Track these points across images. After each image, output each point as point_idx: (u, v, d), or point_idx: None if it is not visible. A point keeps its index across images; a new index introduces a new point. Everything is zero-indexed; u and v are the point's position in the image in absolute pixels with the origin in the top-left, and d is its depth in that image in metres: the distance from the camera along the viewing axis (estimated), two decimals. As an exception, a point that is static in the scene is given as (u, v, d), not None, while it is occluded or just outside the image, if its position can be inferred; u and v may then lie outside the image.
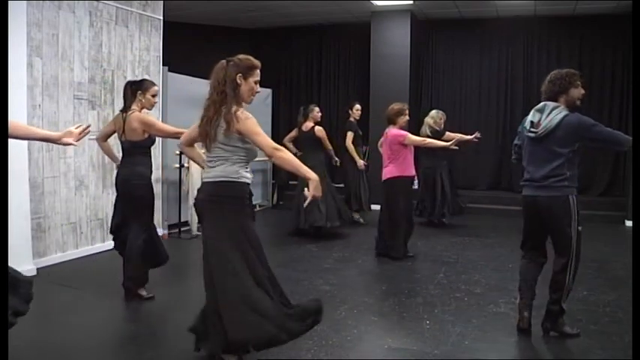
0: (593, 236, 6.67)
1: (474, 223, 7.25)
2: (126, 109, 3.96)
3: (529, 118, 3.34)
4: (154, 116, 4.32)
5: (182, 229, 6.43)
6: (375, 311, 3.84)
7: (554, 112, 3.21)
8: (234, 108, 2.67)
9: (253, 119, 2.68)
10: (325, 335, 3.31)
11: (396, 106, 5.36)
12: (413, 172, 5.41)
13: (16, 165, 4.28)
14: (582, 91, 3.29)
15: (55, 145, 4.87)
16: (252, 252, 2.68)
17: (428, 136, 6.57)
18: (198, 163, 3.21)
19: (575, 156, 3.22)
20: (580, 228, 3.20)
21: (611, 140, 3.21)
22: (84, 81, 5.22)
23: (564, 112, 3.19)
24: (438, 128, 6.94)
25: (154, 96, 4.01)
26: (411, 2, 8.00)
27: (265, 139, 2.66)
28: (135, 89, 3.96)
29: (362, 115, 7.54)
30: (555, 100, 3.27)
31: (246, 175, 2.76)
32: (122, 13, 5.64)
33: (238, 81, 2.75)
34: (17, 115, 4.31)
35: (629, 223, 7.34)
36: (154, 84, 4.07)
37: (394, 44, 8.50)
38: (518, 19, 8.61)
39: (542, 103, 3.31)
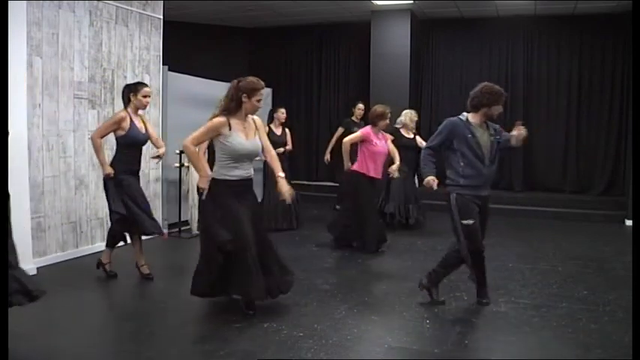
0: (593, 236, 6.69)
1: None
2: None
3: None
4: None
5: (182, 228, 6.42)
6: (375, 311, 3.84)
7: None
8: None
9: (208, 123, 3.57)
10: (325, 335, 3.31)
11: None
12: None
13: (16, 164, 4.27)
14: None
15: (54, 144, 4.92)
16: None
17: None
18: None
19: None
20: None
21: None
22: (84, 80, 5.21)
23: None
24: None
25: (144, 97, 4.37)
26: (411, 2, 8.00)
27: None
28: (127, 92, 4.41)
29: (362, 115, 7.58)
30: None
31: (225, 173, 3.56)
32: (122, 13, 5.64)
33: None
34: (17, 115, 4.32)
35: (629, 223, 7.33)
36: (145, 85, 4.44)
37: (394, 44, 8.50)
38: (518, 19, 8.60)
39: None
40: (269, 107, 8.92)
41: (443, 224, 7.00)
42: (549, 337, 3.34)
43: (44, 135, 4.82)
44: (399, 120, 6.81)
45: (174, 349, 3.11)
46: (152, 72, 6.08)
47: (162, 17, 6.17)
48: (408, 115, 6.78)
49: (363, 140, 5.48)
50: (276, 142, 6.68)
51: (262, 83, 3.59)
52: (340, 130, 7.60)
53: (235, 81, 3.57)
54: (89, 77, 5.28)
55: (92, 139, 4.31)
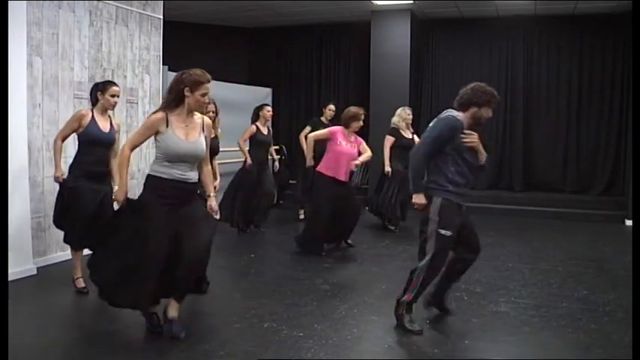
0: (593, 236, 6.69)
1: (474, 223, 7.24)
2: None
3: None
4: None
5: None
6: (375, 310, 3.84)
7: None
8: None
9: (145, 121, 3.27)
10: (325, 335, 3.31)
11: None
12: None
13: (16, 164, 4.28)
14: None
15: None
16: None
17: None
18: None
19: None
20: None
21: None
22: (84, 80, 5.21)
23: None
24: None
25: (112, 96, 4.13)
26: (411, 2, 8.01)
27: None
28: (95, 91, 4.17)
29: (332, 116, 7.36)
30: None
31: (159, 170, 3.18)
32: (122, 13, 5.64)
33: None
34: (17, 115, 4.32)
35: (629, 223, 7.33)
36: (114, 84, 4.20)
37: (394, 44, 8.50)
38: (518, 19, 8.61)
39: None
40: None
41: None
42: (549, 337, 3.34)
43: (44, 135, 4.82)
44: (393, 120, 6.66)
45: (174, 349, 3.11)
46: (152, 72, 6.07)
47: (162, 17, 6.17)
48: (401, 114, 6.59)
49: (329, 139, 5.31)
50: (263, 141, 6.40)
51: (208, 76, 3.14)
52: (307, 129, 7.10)
53: (179, 73, 3.16)
54: (89, 77, 5.27)
55: (54, 140, 4.12)
